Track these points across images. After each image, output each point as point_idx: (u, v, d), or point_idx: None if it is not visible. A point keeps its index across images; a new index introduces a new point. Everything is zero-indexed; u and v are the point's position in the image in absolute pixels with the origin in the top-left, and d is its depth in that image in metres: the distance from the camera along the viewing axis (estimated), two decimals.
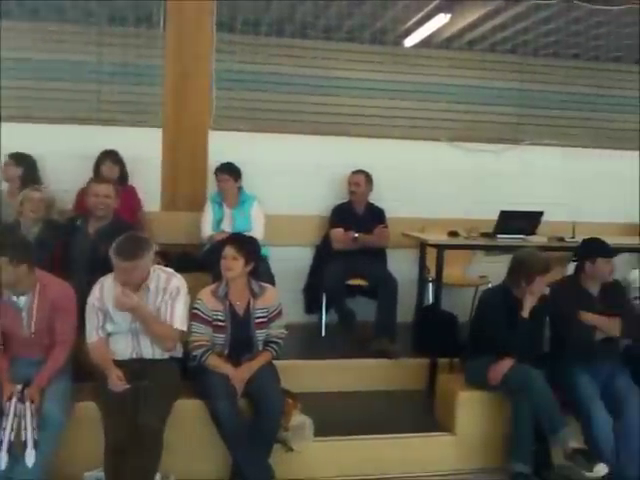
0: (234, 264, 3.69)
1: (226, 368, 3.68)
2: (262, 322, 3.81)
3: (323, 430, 3.87)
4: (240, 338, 3.76)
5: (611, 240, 5.18)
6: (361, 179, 5.44)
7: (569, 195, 6.01)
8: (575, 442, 3.82)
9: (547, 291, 4.17)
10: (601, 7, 6.18)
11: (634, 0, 6.01)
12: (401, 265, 5.45)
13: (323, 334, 5.35)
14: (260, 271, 4.08)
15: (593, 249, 4.16)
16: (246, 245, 3.77)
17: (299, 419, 3.75)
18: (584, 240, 4.34)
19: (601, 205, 6.13)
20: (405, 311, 5.17)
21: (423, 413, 4.43)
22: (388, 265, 5.44)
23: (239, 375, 3.67)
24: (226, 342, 3.76)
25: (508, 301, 4.07)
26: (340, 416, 4.25)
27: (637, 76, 8.22)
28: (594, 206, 6.09)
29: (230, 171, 5.17)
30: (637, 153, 6.39)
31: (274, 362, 3.92)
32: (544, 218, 5.12)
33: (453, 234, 4.96)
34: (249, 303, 3.79)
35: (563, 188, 6.04)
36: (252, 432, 3.58)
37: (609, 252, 4.11)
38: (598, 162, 6.22)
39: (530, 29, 6.94)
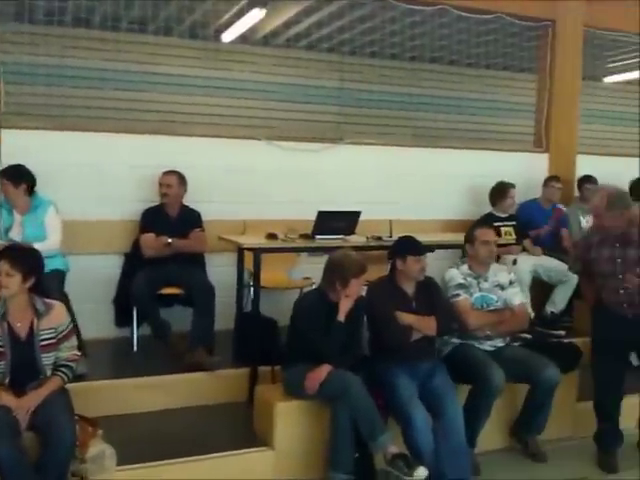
0: (9, 281, 3.23)
1: (7, 399, 3.21)
2: (49, 344, 3.37)
3: (130, 457, 3.52)
4: (23, 364, 3.31)
5: (430, 237, 5.31)
6: (173, 180, 5.08)
7: (389, 194, 6.03)
8: (395, 447, 3.76)
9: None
10: (415, 7, 6.24)
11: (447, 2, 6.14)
12: (222, 270, 5.18)
13: (135, 349, 4.95)
14: (49, 287, 3.63)
15: (403, 247, 4.11)
16: (23, 258, 3.31)
17: (98, 448, 3.37)
18: (397, 239, 4.29)
19: (421, 203, 6.23)
20: (227, 319, 4.92)
21: (243, 427, 4.19)
22: (208, 271, 5.16)
23: (23, 405, 3.21)
24: (6, 369, 3.29)
25: (324, 305, 3.91)
26: (152, 439, 3.91)
27: (452, 77, 8.59)
28: (415, 204, 6.17)
29: (9, 175, 4.59)
30: (455, 151, 6.62)
31: (69, 386, 3.50)
32: (365, 217, 5.06)
33: (271, 236, 4.75)
34: (32, 324, 3.34)
35: (383, 187, 6.05)
36: (41, 469, 3.14)
37: (418, 250, 4.06)
38: (418, 160, 6.32)
39: (347, 28, 6.91)
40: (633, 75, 9.56)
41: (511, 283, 4.51)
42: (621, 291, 4.09)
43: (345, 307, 3.87)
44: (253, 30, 7.17)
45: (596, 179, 6.69)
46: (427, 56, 7.73)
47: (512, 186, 6.21)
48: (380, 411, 3.85)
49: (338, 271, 3.89)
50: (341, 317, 3.84)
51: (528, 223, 6.31)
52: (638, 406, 4.54)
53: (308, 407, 3.93)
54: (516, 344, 4.67)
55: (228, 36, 7.28)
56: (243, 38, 7.29)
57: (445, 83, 8.44)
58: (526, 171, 6.71)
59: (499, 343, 4.44)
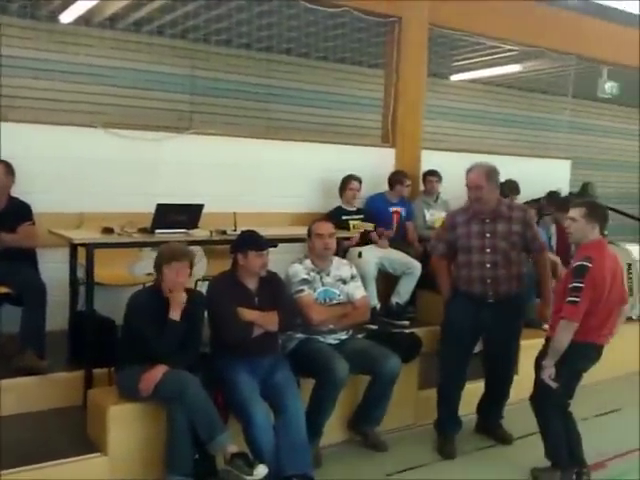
0: None
1: None
2: None
3: None
4: None
5: (278, 231, 5.26)
6: None
7: (236, 186, 5.91)
8: (235, 446, 3.68)
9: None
10: None
11: None
12: (56, 267, 4.83)
13: None
14: None
15: (244, 242, 4.03)
16: None
17: None
18: (239, 233, 4.20)
19: (271, 196, 6.16)
20: (62, 319, 4.63)
21: (77, 433, 3.94)
22: (41, 268, 4.80)
23: None
24: None
25: (158, 302, 3.75)
26: None
27: (305, 69, 8.59)
28: (264, 197, 6.10)
29: None
30: (307, 144, 6.60)
31: None
32: (211, 210, 4.92)
33: (107, 231, 4.49)
34: None
35: (230, 179, 5.92)
36: None
37: (259, 245, 3.99)
38: (268, 152, 6.24)
39: (197, 14, 6.70)
40: (478, 74, 10.04)
41: (352, 277, 4.55)
42: (488, 265, 4.27)
43: (176, 303, 3.73)
44: (95, 11, 6.77)
45: (440, 173, 6.94)
46: (280, 47, 7.68)
47: (354, 178, 6.29)
48: (220, 410, 3.78)
49: (157, 262, 3.76)
50: (174, 315, 3.70)
51: (375, 216, 6.42)
52: (477, 392, 4.75)
53: (143, 409, 3.76)
54: (360, 336, 4.73)
55: (66, 17, 6.83)
56: (84, 19, 6.87)
57: (298, 75, 8.43)
58: (374, 165, 6.82)
59: (342, 336, 4.48)
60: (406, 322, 5.94)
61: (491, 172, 4.31)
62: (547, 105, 10.79)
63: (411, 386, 4.80)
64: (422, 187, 7.06)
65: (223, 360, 3.93)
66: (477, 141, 10.10)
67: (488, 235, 4.29)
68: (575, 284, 3.75)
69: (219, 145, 6.00)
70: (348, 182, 6.34)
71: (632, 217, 9.32)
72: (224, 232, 4.74)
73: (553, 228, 6.98)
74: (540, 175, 8.07)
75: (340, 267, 4.54)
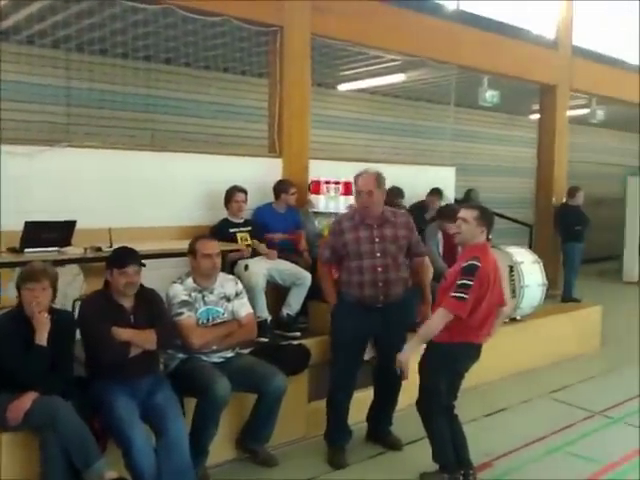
0: None
1: None
2: None
3: None
4: None
5: (160, 246, 5.09)
6: None
7: (115, 200, 5.68)
8: (114, 472, 3.49)
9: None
10: (138, 5, 5.97)
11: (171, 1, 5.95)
12: None
13: None
14: None
15: (110, 259, 3.85)
16: None
17: None
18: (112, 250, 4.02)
19: (153, 209, 5.96)
20: None
21: None
22: None
23: None
24: None
25: (20, 325, 3.52)
26: None
27: (188, 79, 8.42)
28: (145, 211, 5.89)
29: None
30: (192, 155, 6.44)
31: None
32: (88, 226, 4.71)
33: None
34: None
35: (108, 193, 5.68)
36: None
37: (121, 262, 3.81)
38: (151, 165, 6.04)
39: (70, 23, 6.40)
40: (364, 84, 10.17)
41: (237, 294, 4.44)
42: (379, 269, 4.29)
43: (40, 326, 3.51)
44: None
45: None
46: (159, 57, 7.48)
47: (239, 190, 6.19)
48: (98, 435, 3.59)
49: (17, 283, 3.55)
50: (39, 338, 3.48)
51: (263, 227, 6.35)
52: (367, 400, 4.74)
53: (12, 439, 3.51)
54: (247, 351, 4.62)
55: None
56: None
57: (180, 85, 8.25)
58: (262, 176, 6.75)
59: (228, 354, 4.36)
60: (297, 333, 5.87)
61: (380, 178, 4.40)
62: (432, 114, 11.07)
63: (301, 399, 4.73)
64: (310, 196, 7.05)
65: (99, 383, 3.73)
66: (365, 150, 10.23)
67: (377, 240, 4.33)
68: (465, 281, 3.80)
69: (97, 158, 5.74)
70: (233, 194, 6.23)
71: (515, 221, 9.71)
72: (99, 249, 4.53)
73: (440, 235, 7.12)
74: (426, 182, 8.25)
75: (225, 284, 4.41)
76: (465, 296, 3.77)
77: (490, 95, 9.45)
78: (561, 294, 9.80)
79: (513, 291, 6.36)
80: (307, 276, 6.00)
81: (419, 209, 7.97)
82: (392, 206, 6.80)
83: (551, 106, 10.57)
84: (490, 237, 8.30)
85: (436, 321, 3.86)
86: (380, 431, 4.73)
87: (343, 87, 10.48)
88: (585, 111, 11.72)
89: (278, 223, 6.52)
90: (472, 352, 4.04)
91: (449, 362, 3.95)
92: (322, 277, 4.66)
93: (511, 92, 10.44)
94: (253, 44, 6.98)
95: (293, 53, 6.94)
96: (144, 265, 3.85)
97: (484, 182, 12.26)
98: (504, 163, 13.43)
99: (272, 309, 5.96)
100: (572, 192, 9.98)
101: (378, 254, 4.32)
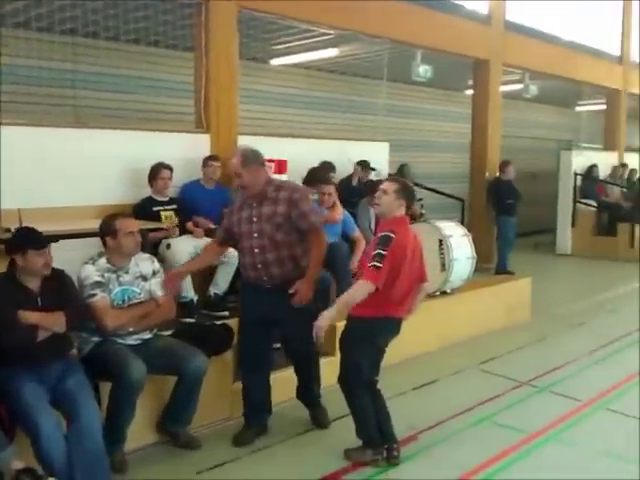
0: None
1: None
2: None
3: None
4: None
5: (77, 225, 4.88)
6: None
7: (27, 180, 5.39)
8: (20, 462, 3.34)
9: None
10: None
11: None
12: None
13: None
14: None
15: (23, 241, 3.66)
16: None
17: None
18: (15, 231, 3.83)
19: (73, 188, 5.71)
20: None
21: None
22: None
23: None
24: None
25: None
26: None
27: (112, 53, 8.13)
28: (64, 189, 5.64)
29: None
30: (115, 131, 6.20)
31: None
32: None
33: None
34: None
35: (23, 172, 5.40)
36: None
37: (39, 243, 3.64)
38: (72, 142, 5.77)
39: None
40: (298, 58, 10.02)
41: (155, 273, 4.31)
42: (256, 250, 4.16)
43: None
44: None
45: None
46: (85, 30, 7.17)
47: (164, 166, 6.02)
48: (4, 424, 3.43)
49: None
50: None
51: (191, 204, 6.20)
52: (290, 380, 4.66)
53: None
54: (167, 333, 4.51)
55: None
56: None
57: (107, 60, 7.94)
58: (189, 152, 6.57)
59: (146, 335, 4.24)
60: (225, 313, 5.75)
61: (247, 156, 4.19)
62: (366, 89, 11.02)
63: (225, 379, 4.65)
64: None
65: (5, 370, 3.55)
66: (300, 126, 10.11)
67: (255, 219, 4.18)
68: (379, 251, 3.78)
69: (10, 136, 5.46)
70: (158, 171, 6.05)
71: (447, 195, 9.75)
72: (8, 230, 4.32)
73: (372, 212, 7.09)
74: (360, 157, 8.18)
75: (140, 263, 4.27)
76: (378, 264, 3.74)
77: (423, 70, 9.42)
78: (495, 267, 9.94)
79: (443, 264, 6.38)
80: (235, 254, 5.86)
81: (347, 182, 7.93)
82: (323, 181, 6.79)
83: (484, 81, 10.62)
84: (423, 212, 8.42)
85: (356, 291, 3.82)
86: (310, 408, 4.68)
87: (276, 62, 10.30)
88: (519, 86, 11.82)
89: (205, 200, 6.36)
90: (392, 327, 4.02)
91: (369, 337, 3.92)
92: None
93: (447, 67, 10.46)
94: (178, 17, 6.75)
95: (219, 26, 6.73)
96: (56, 241, 3.71)
97: (420, 158, 12.30)
98: (440, 139, 13.51)
99: (200, 288, 5.86)
100: (503, 166, 10.10)
101: (255, 234, 4.17)
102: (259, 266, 4.18)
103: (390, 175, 8.61)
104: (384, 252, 3.76)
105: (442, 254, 6.39)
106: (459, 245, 6.50)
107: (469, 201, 10.58)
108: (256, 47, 8.69)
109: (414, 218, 7.94)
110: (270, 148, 7.11)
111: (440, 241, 6.41)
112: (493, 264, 10.15)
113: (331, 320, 3.84)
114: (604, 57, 13.42)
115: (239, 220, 4.24)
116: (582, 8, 12.26)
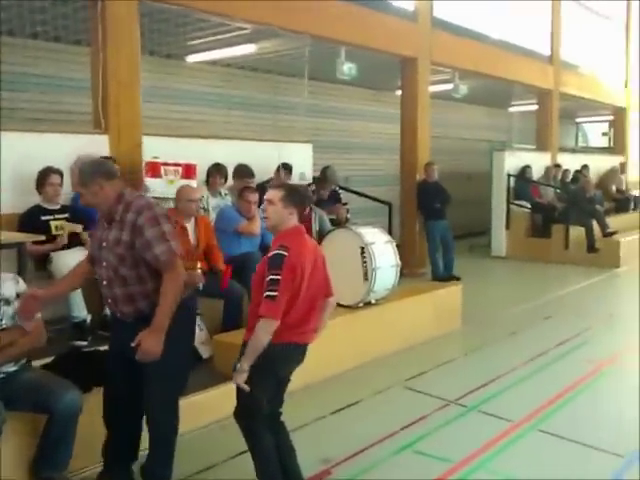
0: None
1: None
2: None
3: None
4: None
5: None
6: None
7: None
8: None
9: None
10: None
11: None
12: None
13: None
14: None
15: None
16: None
17: None
18: None
19: None
20: None
21: None
22: None
23: None
24: None
25: None
26: None
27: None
28: None
29: None
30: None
31: None
32: None
33: None
34: None
35: None
36: None
37: None
38: None
39: None
40: (214, 55, 9.44)
41: (19, 296, 3.65)
42: (104, 282, 3.50)
43: None
44: None
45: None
46: None
47: (53, 171, 5.41)
48: None
49: None
50: None
51: (85, 213, 5.54)
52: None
53: None
54: (40, 363, 3.89)
55: None
56: None
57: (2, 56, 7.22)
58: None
59: (10, 368, 3.62)
60: None
61: (84, 171, 3.44)
62: (289, 88, 10.51)
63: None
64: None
65: None
66: (216, 126, 9.53)
67: (104, 244, 3.45)
68: (271, 276, 3.23)
69: None
70: (46, 176, 5.43)
71: (373, 199, 9.30)
72: None
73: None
74: (282, 159, 7.69)
75: (2, 284, 3.62)
76: (273, 293, 3.20)
77: (348, 68, 8.98)
78: (431, 274, 9.58)
79: (365, 274, 5.91)
80: None
81: (265, 187, 7.42)
82: (241, 188, 6.24)
83: (412, 80, 10.25)
84: (348, 216, 7.94)
85: (260, 334, 3.24)
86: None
87: (193, 58, 9.67)
88: (449, 86, 11.50)
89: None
90: (295, 354, 3.49)
91: (268, 367, 3.34)
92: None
93: (374, 66, 10.05)
94: (70, 9, 6.12)
95: (117, 19, 6.16)
96: None
97: (347, 160, 11.86)
98: (370, 140, 13.05)
99: (95, 307, 5.23)
100: (426, 168, 9.74)
101: (104, 263, 3.44)
102: (109, 301, 3.53)
103: (314, 179, 8.14)
104: (277, 277, 3.21)
105: (365, 262, 5.92)
106: (382, 253, 6.04)
107: (400, 204, 10.17)
108: (169, 43, 8.12)
109: (339, 223, 7.51)
110: (183, 150, 6.61)
111: (362, 249, 5.94)
112: (427, 269, 9.77)
113: (247, 373, 3.26)
114: (534, 57, 13.26)
115: (93, 242, 3.62)
116: (511, 7, 12.06)
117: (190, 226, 5.56)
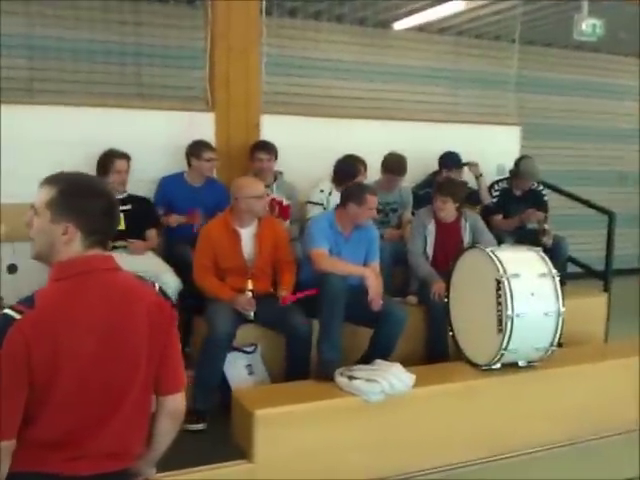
0: None
1: None
2: None
3: None
4: None
5: None
6: None
7: None
8: None
9: None
10: None
11: None
12: None
13: None
14: None
15: None
16: None
17: None
18: None
19: None
20: None
21: None
22: None
23: None
24: None
25: None
26: None
27: None
28: None
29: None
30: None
31: None
32: None
33: None
34: None
35: None
36: None
37: None
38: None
39: None
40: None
41: None
42: None
43: None
44: None
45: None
46: None
47: (118, 156, 4.59)
48: None
49: None
50: None
51: (166, 204, 4.82)
52: None
53: None
54: None
55: None
56: None
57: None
58: (176, 135, 4.97)
59: None
60: None
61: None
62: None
63: None
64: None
65: None
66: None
67: None
68: None
69: None
70: (109, 161, 4.59)
71: (588, 205, 6.56)
72: None
73: (430, 227, 4.86)
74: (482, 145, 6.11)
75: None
76: None
77: (590, 26, 6.64)
78: None
79: (500, 322, 3.98)
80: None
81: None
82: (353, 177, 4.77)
83: None
84: (546, 227, 5.71)
85: None
86: None
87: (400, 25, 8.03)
88: None
89: (185, 200, 4.80)
90: None
91: None
92: None
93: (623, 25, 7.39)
94: None
95: None
96: None
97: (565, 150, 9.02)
98: (594, 123, 9.60)
99: None
100: None
101: None
102: None
103: (510, 172, 6.12)
104: None
105: (499, 304, 4.00)
106: (530, 291, 4.03)
107: None
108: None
109: (538, 241, 5.39)
110: (334, 133, 5.39)
111: (497, 283, 4.02)
112: None
113: None
114: None
115: None
116: None
117: (248, 232, 4.20)
